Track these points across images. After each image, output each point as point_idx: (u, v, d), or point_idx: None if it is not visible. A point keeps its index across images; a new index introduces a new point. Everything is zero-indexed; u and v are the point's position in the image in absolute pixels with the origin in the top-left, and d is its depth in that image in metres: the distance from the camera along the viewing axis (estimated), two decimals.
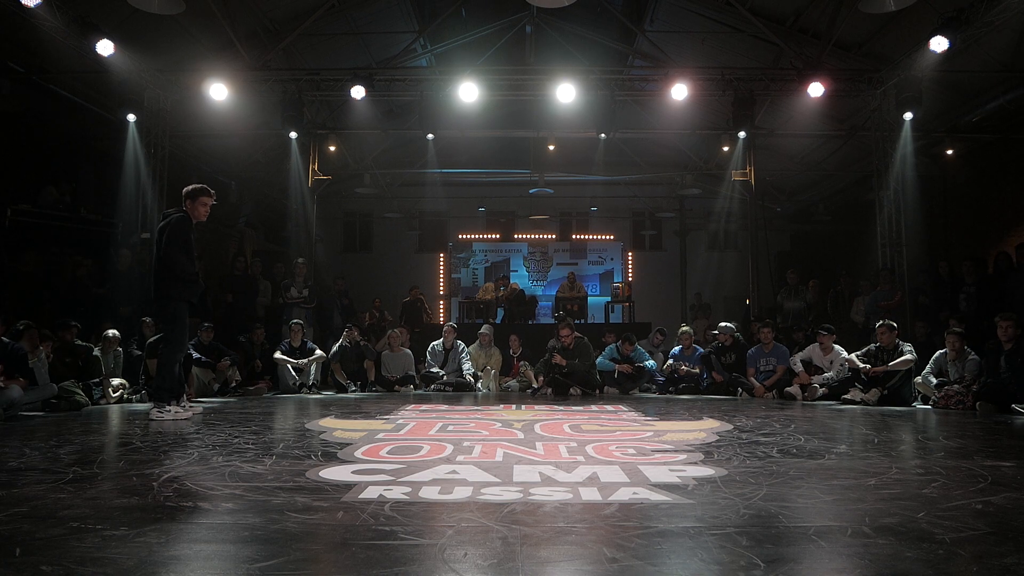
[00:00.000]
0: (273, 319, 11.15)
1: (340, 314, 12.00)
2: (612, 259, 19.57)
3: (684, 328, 10.52)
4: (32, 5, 8.18)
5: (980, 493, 2.92)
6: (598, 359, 9.77)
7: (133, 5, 8.41)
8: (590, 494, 2.88)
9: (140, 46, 9.93)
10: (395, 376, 10.10)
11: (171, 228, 6.02)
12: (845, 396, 7.99)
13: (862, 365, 7.98)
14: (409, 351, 10.51)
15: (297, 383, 9.40)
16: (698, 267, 19.07)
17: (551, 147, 14.67)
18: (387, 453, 4.00)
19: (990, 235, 12.65)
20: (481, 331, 10.82)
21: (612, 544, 2.17)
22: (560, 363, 9.23)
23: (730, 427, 5.33)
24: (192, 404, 6.45)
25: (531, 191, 17.15)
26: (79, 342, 7.64)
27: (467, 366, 10.24)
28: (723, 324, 10.09)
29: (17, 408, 6.01)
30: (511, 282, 15.15)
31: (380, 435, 4.78)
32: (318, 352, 9.72)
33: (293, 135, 11.81)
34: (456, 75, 11.15)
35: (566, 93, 10.85)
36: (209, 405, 7.42)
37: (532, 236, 19.80)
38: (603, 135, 12.08)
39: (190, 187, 6.20)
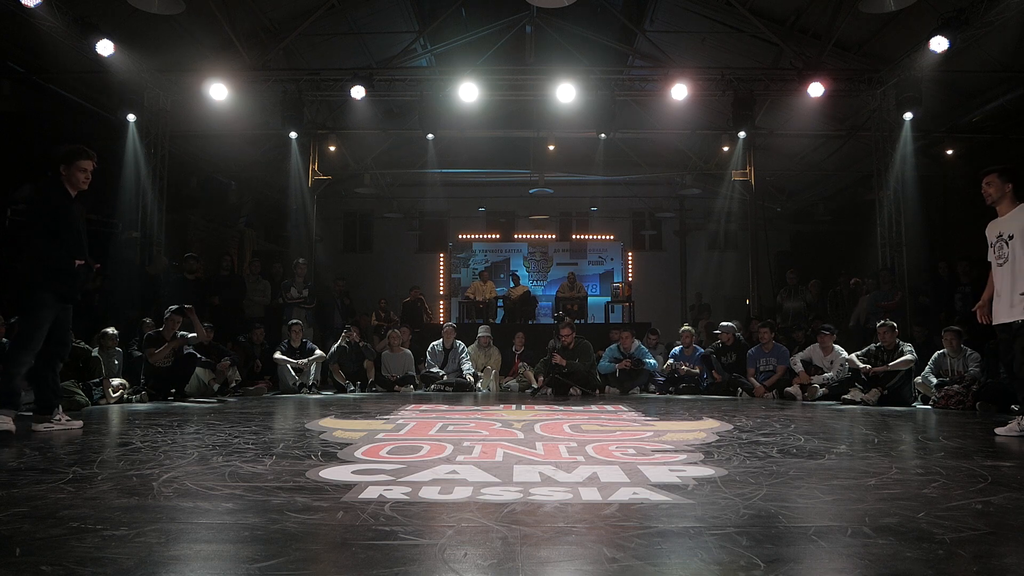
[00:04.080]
0: (273, 319, 11.13)
1: (340, 314, 11.99)
2: (612, 259, 19.58)
3: (685, 327, 10.51)
4: (32, 5, 8.19)
5: (980, 493, 2.92)
6: (600, 362, 9.76)
7: (133, 5, 8.42)
8: (590, 494, 2.88)
9: (140, 46, 9.94)
10: (395, 376, 10.11)
11: (31, 205, 4.96)
12: (845, 396, 7.99)
13: (862, 365, 7.99)
14: (409, 351, 10.51)
15: (297, 383, 9.41)
16: (698, 267, 19.08)
17: (551, 147, 14.68)
18: (387, 453, 4.00)
19: None
20: (480, 334, 10.80)
21: (612, 544, 2.17)
22: (560, 363, 9.23)
23: (730, 427, 5.33)
24: (68, 418, 5.19)
25: (531, 191, 17.16)
26: (80, 344, 7.62)
27: (467, 366, 10.24)
28: (724, 323, 10.09)
29: (19, 408, 5.99)
30: (520, 284, 15.12)
31: (380, 435, 4.78)
32: (318, 352, 9.72)
33: (293, 135, 11.82)
34: (456, 75, 11.16)
35: (566, 93, 10.86)
36: (209, 405, 7.44)
37: (532, 236, 19.81)
38: (603, 135, 12.09)
39: (65, 147, 5.13)
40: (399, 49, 12.98)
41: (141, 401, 7.72)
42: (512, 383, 10.36)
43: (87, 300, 8.98)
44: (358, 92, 10.85)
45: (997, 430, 4.98)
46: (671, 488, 2.99)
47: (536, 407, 7.25)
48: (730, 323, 10.04)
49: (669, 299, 18.40)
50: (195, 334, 8.26)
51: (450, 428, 5.23)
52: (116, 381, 7.87)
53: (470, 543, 2.20)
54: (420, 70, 13.05)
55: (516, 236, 19.97)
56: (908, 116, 10.53)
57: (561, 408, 7.17)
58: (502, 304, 14.54)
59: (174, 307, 8.27)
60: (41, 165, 5.09)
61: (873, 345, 8.19)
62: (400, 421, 5.71)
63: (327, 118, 13.72)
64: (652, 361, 9.98)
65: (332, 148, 14.23)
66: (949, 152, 13.70)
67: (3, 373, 4.92)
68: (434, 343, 10.55)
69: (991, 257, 5.05)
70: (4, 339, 6.46)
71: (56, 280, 4.89)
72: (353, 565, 2.00)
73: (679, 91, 10.77)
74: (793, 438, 4.70)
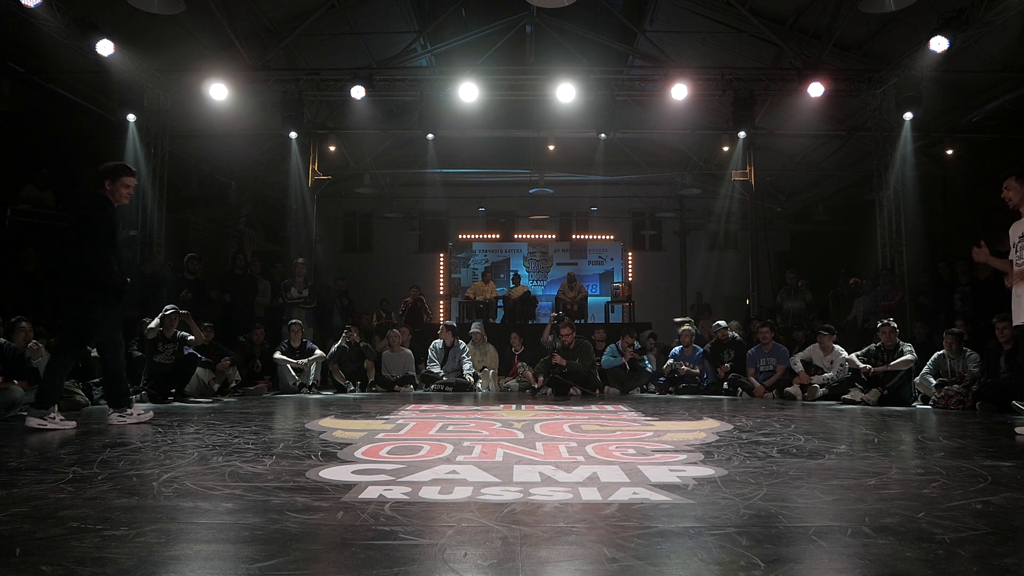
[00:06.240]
0: (273, 319, 11.13)
1: (340, 314, 11.99)
2: (612, 259, 19.58)
3: (685, 327, 10.50)
4: (32, 5, 8.19)
5: (980, 493, 2.92)
6: (603, 358, 9.78)
7: (133, 5, 8.42)
8: (590, 494, 2.88)
9: (140, 46, 9.94)
10: (395, 376, 10.11)
11: (91, 218, 5.04)
12: (845, 396, 7.99)
13: (862, 365, 7.99)
14: (409, 351, 10.51)
15: (297, 383, 9.40)
16: (698, 267, 19.09)
17: (551, 147, 14.68)
18: (387, 453, 3.99)
19: (990, 235, 12.62)
20: (472, 330, 10.80)
21: (612, 544, 2.17)
22: (560, 363, 9.23)
23: (730, 427, 5.33)
24: (63, 418, 5.16)
25: (531, 191, 17.17)
26: None
27: (467, 366, 10.24)
28: (718, 322, 10.09)
29: (18, 408, 6.00)
30: (520, 284, 15.14)
31: (380, 435, 4.78)
32: (318, 352, 9.72)
33: (293, 135, 11.81)
34: (456, 75, 11.16)
35: (566, 93, 10.86)
36: (209, 405, 7.44)
37: (532, 236, 19.82)
38: (603, 135, 12.08)
39: (110, 164, 5.30)
40: (399, 49, 12.98)
41: (141, 401, 7.71)
42: (512, 383, 10.36)
43: None
44: (358, 92, 10.85)
45: (1017, 429, 4.93)
46: (671, 488, 2.99)
47: (536, 407, 7.25)
48: (722, 322, 10.05)
49: (669, 299, 18.40)
50: (192, 336, 8.27)
51: (450, 428, 5.23)
52: None
53: (470, 543, 2.20)
54: (420, 70, 13.05)
55: (516, 236, 19.97)
56: (908, 116, 10.53)
57: (561, 408, 7.17)
58: (502, 304, 14.54)
59: (170, 309, 8.24)
60: (46, 165, 5.25)
61: (873, 345, 8.19)
62: (400, 421, 5.71)
63: (327, 118, 13.72)
64: (648, 364, 9.99)
65: (332, 148, 14.24)
66: (949, 152, 13.69)
67: (45, 377, 5.18)
68: (435, 342, 10.56)
69: (1012, 256, 5.06)
70: (3, 339, 6.45)
71: (106, 293, 5.15)
72: (353, 565, 2.00)
73: (679, 91, 10.77)
74: (793, 438, 4.70)
